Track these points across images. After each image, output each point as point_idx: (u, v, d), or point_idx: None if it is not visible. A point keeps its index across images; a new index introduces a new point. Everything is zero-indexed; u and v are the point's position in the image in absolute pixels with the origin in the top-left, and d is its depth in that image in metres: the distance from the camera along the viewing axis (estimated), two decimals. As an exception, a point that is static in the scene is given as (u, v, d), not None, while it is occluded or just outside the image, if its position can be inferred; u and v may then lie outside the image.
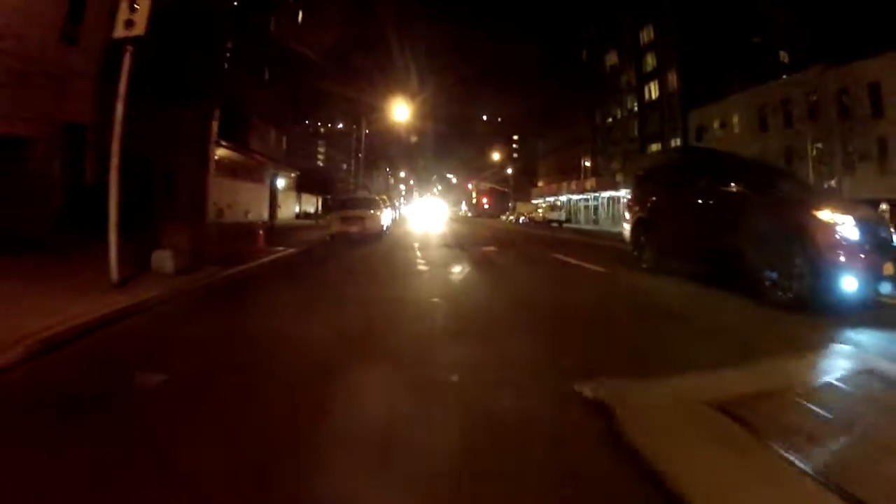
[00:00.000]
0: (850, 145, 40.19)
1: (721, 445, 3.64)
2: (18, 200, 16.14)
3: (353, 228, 24.09)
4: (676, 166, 14.62)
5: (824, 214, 9.02)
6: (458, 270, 14.51)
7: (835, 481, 3.12)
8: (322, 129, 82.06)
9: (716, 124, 56.45)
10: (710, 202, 11.81)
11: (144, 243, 11.20)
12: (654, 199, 14.51)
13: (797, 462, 3.37)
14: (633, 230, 15.46)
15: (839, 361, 6.04)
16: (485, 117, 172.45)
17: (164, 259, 11.02)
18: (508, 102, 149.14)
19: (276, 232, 26.07)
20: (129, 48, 9.20)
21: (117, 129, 9.24)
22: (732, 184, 11.35)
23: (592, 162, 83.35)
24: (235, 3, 34.40)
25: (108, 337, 6.59)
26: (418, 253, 19.45)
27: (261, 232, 19.56)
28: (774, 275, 9.37)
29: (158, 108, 21.19)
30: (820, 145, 41.83)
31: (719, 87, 53.82)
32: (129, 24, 9.13)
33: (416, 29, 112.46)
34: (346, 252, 18.97)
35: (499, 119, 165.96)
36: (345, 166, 71.06)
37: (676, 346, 6.77)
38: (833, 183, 40.24)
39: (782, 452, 3.47)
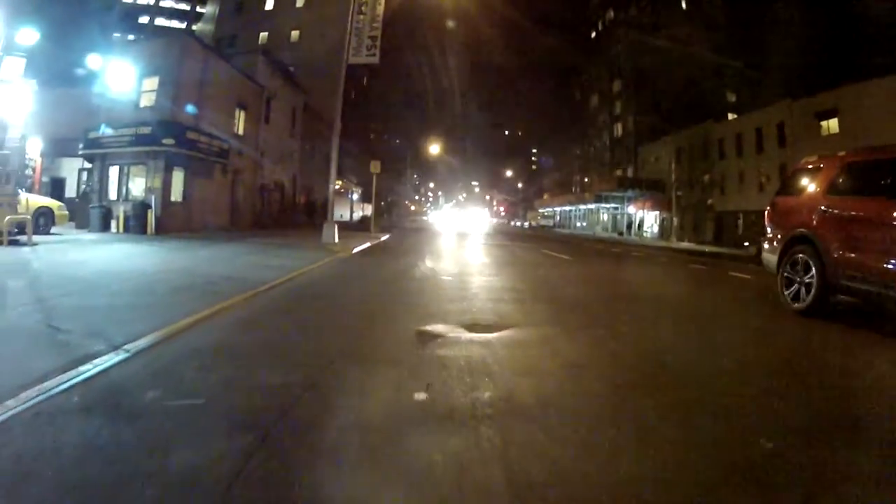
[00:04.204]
0: (722, 174, 59.88)
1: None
2: (284, 211, 39.84)
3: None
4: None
5: None
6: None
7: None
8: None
9: (653, 158, 75.09)
10: None
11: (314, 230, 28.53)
12: (834, 208, 9.13)
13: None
14: (782, 252, 10.17)
15: None
16: (507, 132, 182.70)
17: (331, 236, 22.96)
18: (526, 121, 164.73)
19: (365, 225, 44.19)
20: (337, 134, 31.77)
21: (332, 180, 31.85)
22: None
23: (580, 181, 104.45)
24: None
25: (322, 269, 14.37)
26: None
27: (374, 222, 40.67)
28: None
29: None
30: (707, 176, 62.13)
31: (666, 128, 69.03)
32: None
33: (444, 60, 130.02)
34: (413, 228, 40.40)
35: (519, 133, 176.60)
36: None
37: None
38: (710, 201, 61.06)
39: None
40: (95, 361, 4.83)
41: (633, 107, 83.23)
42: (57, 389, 4.09)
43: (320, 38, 56.08)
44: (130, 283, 10.05)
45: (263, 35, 62.97)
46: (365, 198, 74.96)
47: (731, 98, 77.02)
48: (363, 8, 25.03)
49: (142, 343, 5.50)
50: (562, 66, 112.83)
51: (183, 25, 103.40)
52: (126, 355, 5.13)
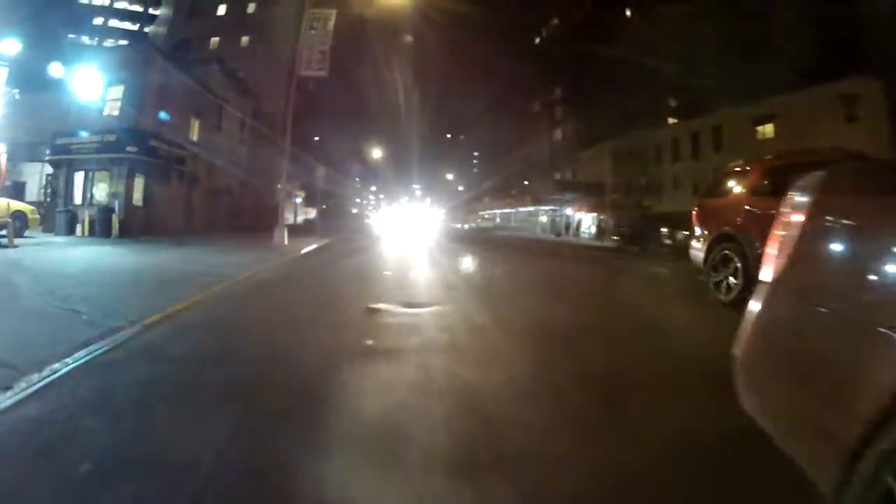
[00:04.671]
0: (659, 178, 62.89)
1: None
2: (235, 215, 41.26)
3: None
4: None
5: None
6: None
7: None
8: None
9: (592, 162, 77.55)
10: None
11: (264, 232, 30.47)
12: (757, 208, 9.86)
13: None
14: (708, 249, 10.94)
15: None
16: (448, 135, 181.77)
17: (281, 238, 24.99)
18: (469, 126, 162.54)
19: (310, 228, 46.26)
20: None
21: (283, 188, 33.79)
22: None
23: (521, 184, 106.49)
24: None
25: (279, 265, 17.46)
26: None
27: (318, 226, 42.42)
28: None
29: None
30: (644, 179, 64.93)
31: (606, 132, 71.85)
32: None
33: (388, 67, 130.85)
34: (357, 231, 42.86)
35: (461, 137, 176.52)
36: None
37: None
38: (645, 203, 61.52)
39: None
40: (121, 333, 6.42)
41: (573, 113, 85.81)
42: (101, 350, 5.70)
43: (269, 44, 57.64)
44: (121, 278, 11.92)
45: (215, 40, 63.91)
46: (309, 202, 76.40)
47: (672, 104, 77.53)
48: (314, 24, 26.83)
49: (152, 319, 7.24)
50: (505, 72, 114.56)
51: (136, 27, 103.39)
52: (141, 327, 6.84)
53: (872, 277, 2.09)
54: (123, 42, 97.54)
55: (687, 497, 3.06)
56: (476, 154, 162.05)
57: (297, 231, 31.28)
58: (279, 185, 53.15)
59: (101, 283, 10.88)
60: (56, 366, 4.98)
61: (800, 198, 2.60)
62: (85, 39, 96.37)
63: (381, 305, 9.11)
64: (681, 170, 59.68)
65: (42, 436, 3.54)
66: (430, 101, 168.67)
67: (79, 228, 25.50)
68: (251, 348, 6.32)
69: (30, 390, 4.36)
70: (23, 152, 30.11)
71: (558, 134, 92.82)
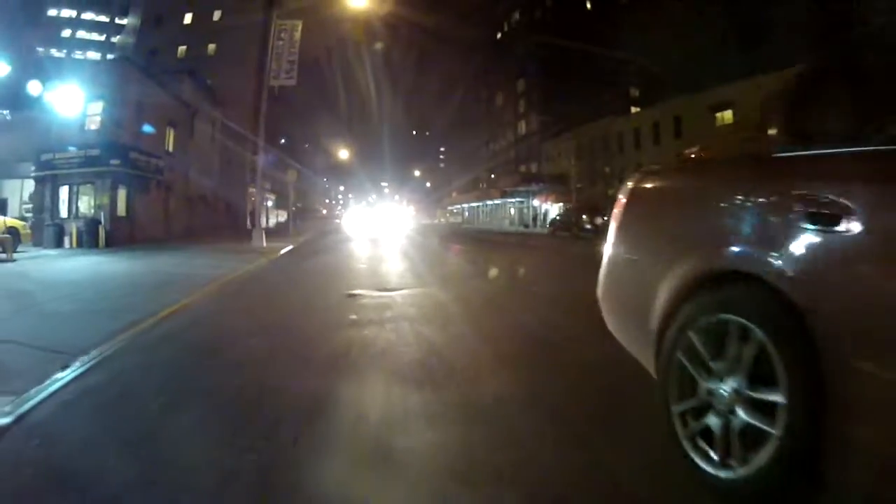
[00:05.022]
0: (621, 167, 62.23)
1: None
2: (210, 220, 42.49)
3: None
4: None
5: None
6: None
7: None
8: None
9: (556, 154, 78.80)
10: None
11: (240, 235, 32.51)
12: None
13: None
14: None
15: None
16: (414, 132, 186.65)
17: (259, 240, 26.04)
18: (435, 121, 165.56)
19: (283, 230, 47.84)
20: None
21: (260, 193, 35.19)
22: None
23: (487, 178, 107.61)
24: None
25: (262, 265, 19.97)
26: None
27: (291, 227, 43.88)
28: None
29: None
30: (608, 168, 65.93)
31: (569, 124, 73.27)
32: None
33: (353, 66, 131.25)
34: (328, 231, 44.46)
35: (427, 133, 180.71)
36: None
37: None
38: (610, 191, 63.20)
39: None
40: (141, 324, 7.59)
41: (537, 105, 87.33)
42: (130, 337, 6.95)
43: (236, 51, 58.28)
44: (123, 282, 13.18)
45: (182, 49, 64.81)
46: (279, 204, 77.38)
47: (635, 93, 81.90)
48: (282, 34, 28.16)
49: (164, 313, 8.60)
50: (469, 67, 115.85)
51: (103, 38, 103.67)
52: (158, 319, 8.17)
53: (654, 238, 3.67)
54: (94, 54, 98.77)
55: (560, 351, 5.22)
56: (442, 150, 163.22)
57: (271, 233, 32.45)
58: (252, 190, 54.57)
59: (106, 287, 12.11)
60: (97, 350, 6.12)
61: (624, 188, 4.07)
62: (54, 52, 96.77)
63: (358, 291, 10.94)
64: (643, 158, 59.95)
65: (109, 393, 4.85)
66: (397, 100, 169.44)
67: (67, 241, 26.25)
68: (257, 326, 7.87)
69: (83, 368, 5.47)
70: (3, 169, 30.84)
71: (522, 127, 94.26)
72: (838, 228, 2.20)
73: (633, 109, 73.50)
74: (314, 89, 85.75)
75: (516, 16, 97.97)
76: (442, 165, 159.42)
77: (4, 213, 26.90)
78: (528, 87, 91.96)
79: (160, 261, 18.95)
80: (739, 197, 2.83)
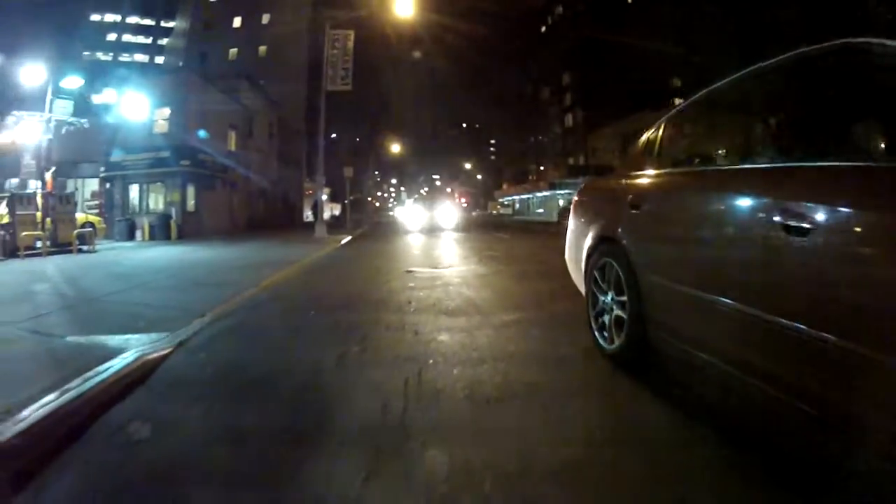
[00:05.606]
0: None
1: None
2: (269, 213, 45.00)
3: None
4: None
5: None
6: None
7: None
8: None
9: (602, 146, 78.95)
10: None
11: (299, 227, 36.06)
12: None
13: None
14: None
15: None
16: (464, 125, 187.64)
17: (322, 231, 28.82)
18: (485, 115, 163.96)
19: (339, 222, 50.57)
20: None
21: (321, 190, 37.42)
22: None
23: (536, 170, 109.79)
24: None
25: (329, 252, 25.97)
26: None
27: (348, 219, 46.14)
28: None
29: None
30: None
31: (614, 115, 72.65)
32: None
33: (406, 63, 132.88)
34: (381, 223, 46.63)
35: (477, 126, 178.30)
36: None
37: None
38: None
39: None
40: (245, 292, 9.65)
41: (581, 98, 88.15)
42: (239, 300, 9.07)
43: (286, 53, 60.57)
44: (211, 265, 15.15)
45: (233, 51, 66.89)
46: (333, 197, 79.64)
47: (677, 83, 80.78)
48: (336, 44, 30.25)
49: (264, 283, 11.01)
50: (516, 61, 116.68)
51: (149, 41, 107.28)
52: (258, 288, 10.46)
53: (585, 218, 5.96)
54: (142, 56, 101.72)
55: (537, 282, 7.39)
56: (493, 142, 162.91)
57: (329, 225, 34.08)
58: (306, 184, 56.76)
59: (199, 268, 14.20)
60: (218, 308, 8.10)
61: (578, 190, 6.63)
62: (100, 55, 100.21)
63: (414, 268, 13.50)
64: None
65: (238, 330, 7.14)
66: (447, 94, 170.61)
67: (138, 234, 29.18)
68: (339, 291, 10.55)
69: (213, 318, 7.46)
70: (65, 170, 32.31)
71: (569, 120, 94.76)
72: (635, 212, 4.63)
73: (676, 101, 71.66)
74: (366, 86, 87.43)
75: (559, 9, 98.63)
76: (493, 158, 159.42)
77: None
78: (572, 80, 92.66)
79: (236, 249, 21.10)
80: (608, 197, 5.49)
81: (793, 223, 2.72)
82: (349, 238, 27.91)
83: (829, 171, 2.72)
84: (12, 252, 18.61)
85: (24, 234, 19.45)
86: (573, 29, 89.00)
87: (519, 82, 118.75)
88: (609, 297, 4.99)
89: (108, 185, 34.15)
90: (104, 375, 4.47)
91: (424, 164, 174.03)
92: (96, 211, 31.89)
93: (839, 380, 2.48)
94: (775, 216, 2.84)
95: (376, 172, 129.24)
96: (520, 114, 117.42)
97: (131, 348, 5.48)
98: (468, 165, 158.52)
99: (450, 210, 69.12)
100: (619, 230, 4.81)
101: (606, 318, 5.04)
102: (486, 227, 42.46)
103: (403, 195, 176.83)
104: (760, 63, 3.64)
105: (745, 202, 3.29)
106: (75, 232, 21.20)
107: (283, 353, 5.92)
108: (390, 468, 3.13)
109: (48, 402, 3.80)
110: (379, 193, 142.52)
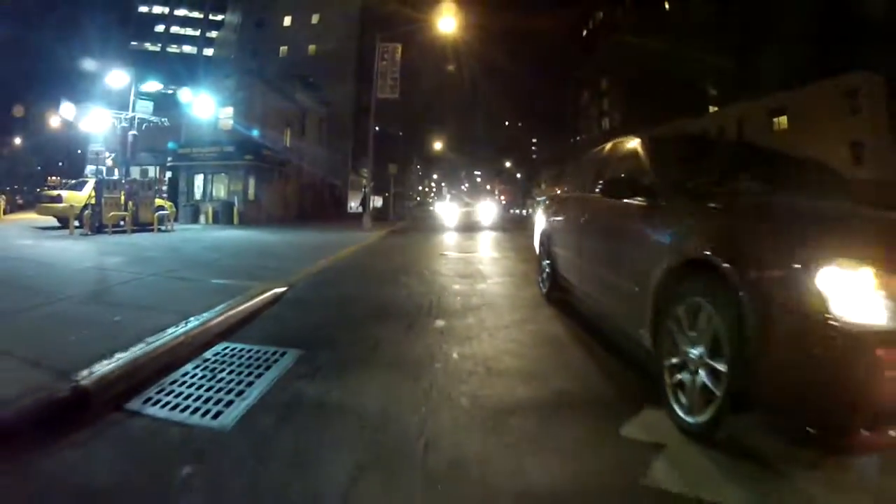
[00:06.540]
0: None
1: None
2: (318, 204, 48.39)
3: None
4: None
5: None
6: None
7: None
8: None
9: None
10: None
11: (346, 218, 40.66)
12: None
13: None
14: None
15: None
16: (507, 123, 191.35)
17: (368, 222, 30.46)
18: (526, 115, 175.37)
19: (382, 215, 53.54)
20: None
21: (369, 188, 40.92)
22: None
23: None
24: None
25: (377, 240, 27.03)
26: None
27: (391, 212, 49.32)
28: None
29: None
30: None
31: (650, 121, 66.93)
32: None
33: (449, 62, 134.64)
34: (422, 217, 49.72)
35: (519, 124, 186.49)
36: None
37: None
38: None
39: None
40: (320, 262, 13.05)
41: (619, 102, 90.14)
42: (322, 264, 12.86)
43: (335, 52, 62.84)
44: (281, 245, 17.76)
45: (283, 49, 68.34)
46: (375, 190, 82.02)
47: (713, 92, 78.84)
48: (385, 55, 33.29)
49: (342, 254, 14.89)
50: (557, 64, 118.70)
51: (197, 33, 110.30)
52: (331, 260, 13.75)
53: (545, 220, 9.35)
54: (190, 48, 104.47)
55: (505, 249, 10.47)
56: (535, 141, 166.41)
57: (373, 217, 36.40)
58: (352, 178, 59.51)
59: (274, 247, 17.14)
60: (307, 270, 11.38)
61: (543, 201, 10.48)
62: (148, 46, 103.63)
63: (447, 253, 17.04)
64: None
65: (332, 278, 11.37)
66: (489, 93, 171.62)
67: (202, 218, 32.36)
68: (391, 263, 13.99)
69: (306, 274, 11.04)
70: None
71: (606, 123, 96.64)
72: (555, 220, 8.29)
73: (711, 109, 74.01)
74: (413, 88, 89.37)
75: (599, 15, 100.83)
76: (534, 157, 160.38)
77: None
78: (610, 85, 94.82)
79: (297, 234, 23.80)
80: (552, 211, 8.94)
81: (593, 223, 6.61)
82: (392, 228, 31.13)
83: (606, 201, 5.53)
84: (99, 228, 20.75)
85: (111, 213, 21.71)
86: (610, 34, 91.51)
87: (561, 85, 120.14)
88: (545, 262, 8.84)
89: (169, 174, 37.82)
90: (263, 296, 7.97)
91: (466, 161, 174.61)
92: (166, 196, 34.44)
93: (618, 297, 5.45)
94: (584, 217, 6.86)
95: (418, 167, 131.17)
96: (561, 115, 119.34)
97: (258, 288, 8.50)
98: (508, 164, 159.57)
99: (488, 207, 70.77)
100: (548, 231, 8.87)
101: (545, 274, 8.99)
102: (517, 224, 44.91)
103: (444, 190, 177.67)
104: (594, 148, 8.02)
105: (583, 210, 7.06)
106: (156, 214, 23.78)
107: (359, 290, 10.08)
108: (420, 327, 6.90)
109: (245, 305, 7.27)
110: (420, 188, 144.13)
